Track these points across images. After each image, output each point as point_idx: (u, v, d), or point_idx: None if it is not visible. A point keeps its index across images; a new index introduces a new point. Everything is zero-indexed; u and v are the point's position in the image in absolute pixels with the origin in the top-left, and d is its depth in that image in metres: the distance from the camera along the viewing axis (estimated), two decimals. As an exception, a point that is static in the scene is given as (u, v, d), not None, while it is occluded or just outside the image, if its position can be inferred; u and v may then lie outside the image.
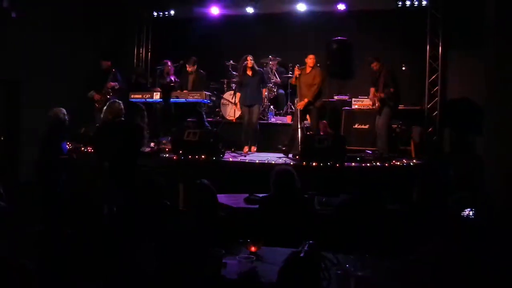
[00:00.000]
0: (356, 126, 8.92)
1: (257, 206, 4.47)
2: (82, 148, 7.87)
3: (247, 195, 5.08)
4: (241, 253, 3.18)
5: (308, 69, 8.16)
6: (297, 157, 7.51)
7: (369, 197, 4.09)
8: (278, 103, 10.19)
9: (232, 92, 9.31)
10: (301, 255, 2.52)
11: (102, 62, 8.89)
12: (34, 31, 8.89)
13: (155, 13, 11.29)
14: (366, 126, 8.64)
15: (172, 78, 8.91)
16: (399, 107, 8.24)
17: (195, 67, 8.74)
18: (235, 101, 8.87)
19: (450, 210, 3.17)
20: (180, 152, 7.51)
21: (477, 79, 8.01)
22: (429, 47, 9.32)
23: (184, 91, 8.69)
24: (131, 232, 3.56)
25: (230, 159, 7.63)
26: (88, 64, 9.33)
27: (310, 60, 8.16)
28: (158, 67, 9.23)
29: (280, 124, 9.48)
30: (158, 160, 7.50)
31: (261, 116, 8.95)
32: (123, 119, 5.88)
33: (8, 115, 8.95)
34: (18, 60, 8.72)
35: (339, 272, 2.66)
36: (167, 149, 7.99)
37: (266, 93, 9.17)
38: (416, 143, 8.61)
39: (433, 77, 9.34)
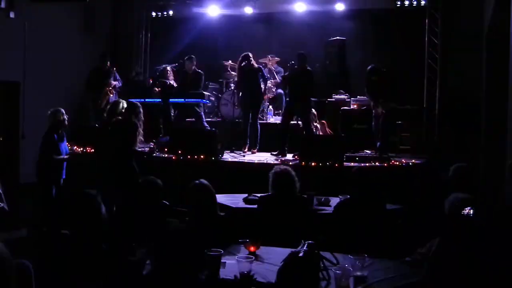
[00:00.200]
0: (354, 126, 8.93)
1: (256, 206, 4.47)
2: (82, 148, 7.86)
3: (246, 195, 5.09)
4: (240, 253, 3.19)
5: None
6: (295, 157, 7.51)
7: (368, 197, 4.10)
8: (277, 103, 10.18)
9: (230, 92, 9.31)
10: (300, 255, 2.53)
11: (102, 62, 8.89)
12: (33, 31, 8.88)
13: (153, 13, 11.30)
14: (365, 126, 8.63)
15: (172, 82, 8.91)
16: (398, 107, 8.26)
17: (194, 65, 8.75)
18: (234, 101, 8.87)
19: (449, 210, 3.17)
20: (179, 152, 7.51)
21: (476, 79, 8.04)
22: (427, 47, 9.33)
23: (182, 91, 8.69)
24: (130, 232, 3.57)
25: (229, 159, 7.63)
26: (87, 64, 9.31)
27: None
28: (158, 67, 9.23)
29: (280, 123, 9.45)
30: (157, 160, 7.50)
31: (260, 116, 8.94)
32: (120, 118, 5.89)
33: (7, 115, 8.94)
34: (17, 61, 8.72)
35: (338, 272, 2.66)
36: (166, 149, 8.00)
37: (268, 86, 9.10)
38: (415, 143, 8.62)
39: (432, 76, 9.35)
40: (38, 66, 8.91)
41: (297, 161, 7.19)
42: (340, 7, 9.84)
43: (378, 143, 7.93)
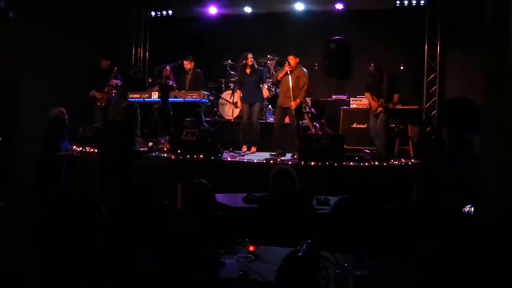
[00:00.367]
0: (354, 125, 8.95)
1: (255, 205, 4.47)
2: (81, 148, 7.86)
3: (245, 194, 5.08)
4: (240, 253, 3.19)
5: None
6: (295, 156, 7.51)
7: (367, 197, 4.10)
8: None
9: (230, 91, 9.30)
10: (300, 254, 2.52)
11: (102, 61, 8.88)
12: (32, 31, 8.87)
13: (152, 13, 11.29)
14: (365, 126, 8.65)
15: (171, 82, 8.90)
16: (397, 106, 8.26)
17: (193, 64, 8.74)
18: (233, 100, 8.86)
19: (449, 209, 3.17)
20: (178, 151, 7.51)
21: (475, 78, 8.03)
22: (427, 47, 9.33)
23: (182, 90, 8.70)
24: (129, 232, 3.57)
25: (229, 159, 7.63)
26: (86, 64, 9.31)
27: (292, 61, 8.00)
28: (157, 67, 9.23)
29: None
30: (156, 160, 7.50)
31: (259, 115, 8.92)
32: (119, 118, 5.87)
33: (6, 115, 8.93)
34: (16, 61, 8.71)
35: (337, 271, 2.66)
36: (165, 149, 7.99)
37: (267, 86, 9.09)
38: (414, 142, 8.63)
39: (431, 76, 9.35)
40: (38, 65, 8.90)
41: (296, 161, 7.19)
42: (339, 6, 9.83)
43: (377, 143, 7.94)
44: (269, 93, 9.64)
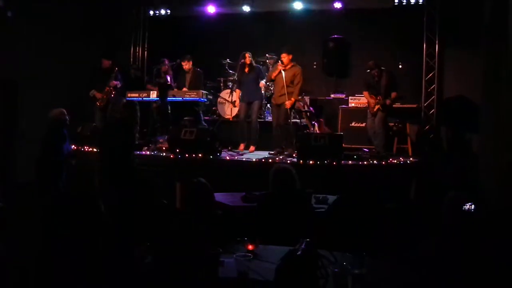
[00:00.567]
0: (353, 124, 8.96)
1: (254, 204, 4.47)
2: (80, 148, 7.86)
3: (244, 193, 5.09)
4: (239, 252, 3.19)
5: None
6: (294, 155, 7.51)
7: (366, 195, 4.11)
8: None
9: (228, 90, 9.30)
10: (299, 253, 2.53)
11: (103, 61, 8.88)
12: (31, 31, 8.86)
13: (151, 12, 11.28)
14: (363, 124, 8.66)
15: (168, 78, 8.90)
16: (396, 105, 8.28)
17: (191, 63, 8.74)
18: (232, 99, 8.86)
19: (448, 207, 3.18)
20: (177, 150, 7.51)
21: (474, 77, 8.04)
22: (426, 45, 9.32)
23: (182, 89, 8.70)
24: (129, 232, 3.57)
25: (227, 158, 7.64)
26: (86, 64, 9.30)
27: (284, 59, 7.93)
28: (155, 66, 9.23)
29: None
30: (155, 159, 7.51)
31: (258, 114, 8.93)
32: (118, 117, 5.88)
33: (6, 115, 8.93)
34: (16, 60, 8.70)
35: (336, 270, 2.67)
36: (164, 148, 7.99)
37: (266, 85, 9.08)
38: (413, 141, 8.65)
39: (430, 75, 9.34)
40: (38, 65, 8.89)
41: (295, 160, 7.20)
42: (338, 5, 9.83)
43: (376, 141, 7.95)
44: (267, 92, 9.65)
